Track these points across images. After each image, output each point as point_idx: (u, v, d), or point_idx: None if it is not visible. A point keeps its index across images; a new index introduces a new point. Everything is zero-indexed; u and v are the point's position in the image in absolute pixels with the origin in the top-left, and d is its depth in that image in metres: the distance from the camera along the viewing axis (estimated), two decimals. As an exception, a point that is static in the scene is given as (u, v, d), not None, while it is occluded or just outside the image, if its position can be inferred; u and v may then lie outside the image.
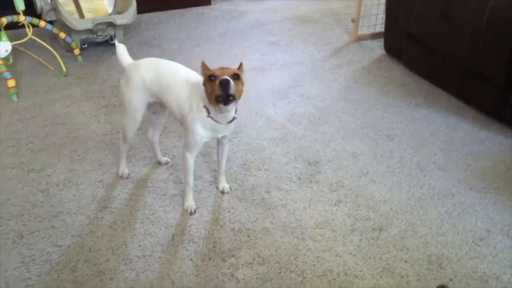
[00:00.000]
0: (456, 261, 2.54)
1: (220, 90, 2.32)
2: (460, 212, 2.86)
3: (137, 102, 2.75)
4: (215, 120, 2.52)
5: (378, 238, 2.68)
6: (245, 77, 2.49)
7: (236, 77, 2.39)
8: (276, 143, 3.44)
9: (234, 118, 2.56)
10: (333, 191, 3.01)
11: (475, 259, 2.56)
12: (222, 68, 2.42)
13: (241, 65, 2.50)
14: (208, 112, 2.51)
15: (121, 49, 2.84)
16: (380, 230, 2.73)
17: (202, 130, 2.57)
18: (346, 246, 2.62)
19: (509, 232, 2.74)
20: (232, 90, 2.33)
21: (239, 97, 2.44)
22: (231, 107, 2.46)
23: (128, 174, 3.06)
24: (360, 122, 3.72)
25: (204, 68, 2.47)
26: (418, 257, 2.56)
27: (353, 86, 4.22)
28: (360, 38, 5.10)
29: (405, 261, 2.53)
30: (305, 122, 3.69)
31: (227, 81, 2.30)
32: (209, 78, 2.38)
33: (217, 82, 2.32)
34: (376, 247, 2.62)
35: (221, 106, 2.38)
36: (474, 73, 3.74)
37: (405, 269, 2.48)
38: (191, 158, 2.69)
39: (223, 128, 2.59)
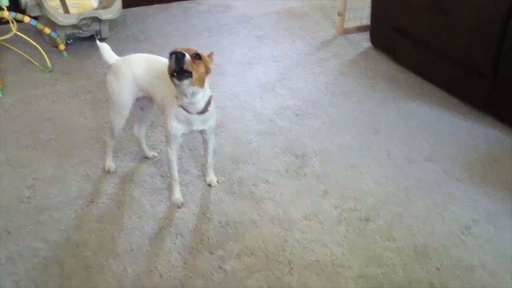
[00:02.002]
0: (442, 250, 2.57)
1: (175, 64, 2.32)
2: (446, 203, 2.89)
3: (126, 97, 2.75)
4: (185, 110, 2.53)
5: (365, 228, 2.69)
6: (212, 66, 2.52)
7: (198, 57, 2.39)
8: (263, 136, 3.45)
9: (206, 110, 2.57)
10: (320, 183, 3.02)
11: (462, 249, 2.58)
12: (186, 48, 2.43)
13: (211, 54, 2.53)
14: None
15: (104, 48, 2.82)
16: (367, 220, 2.74)
17: (176, 122, 2.59)
18: (333, 237, 2.63)
19: (495, 221, 2.77)
20: (186, 65, 2.33)
21: (201, 81, 2.44)
22: (189, 87, 2.41)
23: (115, 169, 3.05)
24: (347, 115, 3.73)
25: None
26: (405, 247, 2.58)
27: (340, 79, 4.24)
28: (346, 31, 5.10)
29: (392, 251, 2.55)
30: (292, 116, 3.70)
31: (182, 55, 2.31)
32: (170, 55, 2.38)
33: (173, 56, 2.34)
34: (363, 237, 2.63)
35: (176, 82, 2.38)
36: (462, 66, 3.76)
37: (391, 259, 2.50)
38: (171, 152, 2.70)
39: (197, 120, 2.59)
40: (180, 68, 2.32)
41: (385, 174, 3.11)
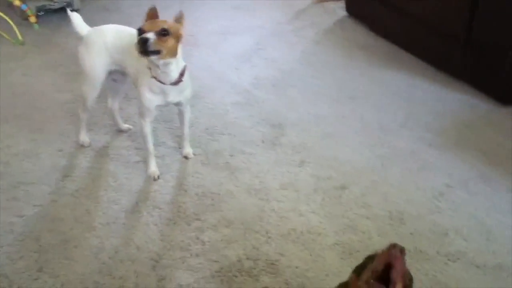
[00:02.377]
0: (416, 216, 2.61)
1: (140, 47, 2.30)
2: (420, 169, 2.92)
3: (98, 68, 2.72)
4: (158, 80, 2.51)
5: (340, 196, 2.72)
6: (183, 29, 2.47)
7: (164, 32, 2.36)
8: (240, 107, 3.44)
9: (180, 81, 2.54)
10: (297, 152, 3.04)
11: (435, 214, 2.63)
12: (152, 22, 2.40)
13: (180, 16, 2.47)
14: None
15: (76, 18, 2.77)
16: (343, 189, 2.77)
17: (149, 93, 2.57)
18: (310, 206, 2.65)
19: (468, 186, 2.81)
20: (152, 47, 2.31)
21: (171, 53, 2.41)
22: (160, 60, 2.39)
23: (89, 143, 3.02)
24: (323, 84, 3.73)
25: (145, 19, 2.46)
26: (380, 214, 2.61)
27: (316, 48, 4.22)
28: (322, 0, 5.07)
29: (367, 218, 2.58)
30: (269, 86, 3.69)
31: (145, 40, 2.29)
32: (138, 32, 2.35)
33: (138, 36, 2.31)
34: (339, 205, 2.66)
35: (145, 57, 2.37)
36: (436, 33, 3.77)
37: (367, 226, 2.54)
38: (145, 124, 2.68)
39: (171, 91, 2.57)
40: (146, 50, 2.30)
41: (360, 142, 3.13)
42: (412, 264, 2.32)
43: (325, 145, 3.10)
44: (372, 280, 1.19)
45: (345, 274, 2.24)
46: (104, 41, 2.68)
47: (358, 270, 1.28)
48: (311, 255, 2.37)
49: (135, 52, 2.43)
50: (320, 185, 2.79)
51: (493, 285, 2.25)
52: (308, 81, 3.76)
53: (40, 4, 4.40)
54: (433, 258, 2.37)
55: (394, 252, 1.20)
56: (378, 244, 2.41)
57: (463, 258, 2.37)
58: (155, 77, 2.49)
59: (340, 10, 4.87)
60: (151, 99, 2.58)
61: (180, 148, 2.99)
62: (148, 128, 2.69)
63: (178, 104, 2.70)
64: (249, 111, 3.40)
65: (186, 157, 2.94)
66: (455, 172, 2.91)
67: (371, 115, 3.39)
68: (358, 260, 2.31)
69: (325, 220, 2.56)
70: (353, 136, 3.19)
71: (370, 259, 1.27)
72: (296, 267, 2.30)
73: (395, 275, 1.17)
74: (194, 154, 2.96)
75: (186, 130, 2.90)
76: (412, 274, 2.22)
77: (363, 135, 3.19)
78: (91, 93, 2.79)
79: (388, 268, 1.19)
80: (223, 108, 3.41)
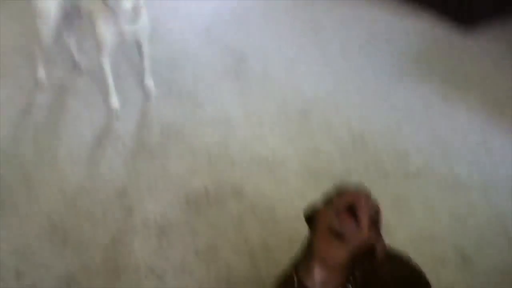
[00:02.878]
0: (378, 138, 2.65)
1: None
2: (379, 92, 2.95)
3: (51, 5, 2.63)
4: (113, 13, 2.45)
5: (304, 122, 2.74)
6: None
7: None
8: (201, 38, 3.38)
9: (136, 14, 2.48)
10: (260, 81, 3.03)
11: (397, 135, 2.67)
12: None
13: None
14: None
15: None
16: (306, 114, 2.79)
17: (105, 26, 2.51)
18: (274, 133, 2.67)
19: (429, 105, 2.86)
20: None
21: None
22: None
23: (47, 79, 2.95)
24: (286, 13, 3.69)
25: None
26: (343, 137, 2.65)
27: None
28: None
29: (330, 142, 2.62)
30: (230, 15, 3.63)
31: None
32: None
33: None
34: (302, 131, 2.69)
35: None
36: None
37: (330, 149, 2.57)
38: (104, 58, 2.64)
39: (127, 24, 2.51)
40: None
41: (324, 70, 3.14)
42: (374, 182, 2.37)
43: (288, 73, 3.10)
44: (342, 211, 1.21)
45: (309, 197, 2.28)
46: None
47: (326, 200, 1.30)
48: (276, 180, 2.41)
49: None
50: (284, 112, 2.80)
51: (452, 199, 2.33)
52: (270, 10, 3.71)
53: None
54: (394, 176, 2.43)
55: (358, 196, 1.23)
56: (342, 167, 2.47)
57: (423, 174, 2.44)
58: (110, 10, 2.42)
59: None
60: (107, 33, 2.52)
61: (141, 81, 2.95)
62: (107, 63, 2.64)
63: (136, 39, 2.64)
64: (211, 42, 3.35)
65: (148, 90, 2.91)
66: (417, 92, 2.95)
67: (334, 44, 3.38)
68: (322, 183, 2.38)
69: (290, 146, 2.59)
70: (315, 62, 3.19)
71: (337, 192, 1.29)
72: (262, 192, 2.34)
73: (361, 212, 1.21)
74: (156, 87, 2.93)
75: (146, 63, 2.85)
76: (374, 191, 2.29)
77: (327, 63, 3.19)
78: (46, 30, 2.71)
79: (352, 207, 1.22)
80: (184, 39, 3.36)
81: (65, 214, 2.21)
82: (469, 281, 1.99)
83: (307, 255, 1.31)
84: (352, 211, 1.21)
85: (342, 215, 1.21)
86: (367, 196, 1.25)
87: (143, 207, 2.25)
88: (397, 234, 2.16)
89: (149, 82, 2.91)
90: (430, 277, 1.97)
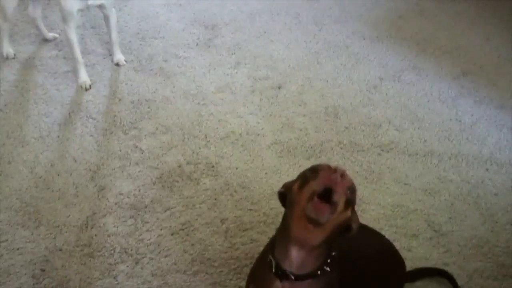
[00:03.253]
0: (351, 110, 2.66)
1: None
2: (354, 63, 2.95)
3: None
4: None
5: (277, 96, 2.72)
6: None
7: None
8: (170, 8, 3.31)
9: None
10: (232, 54, 2.99)
11: (369, 107, 2.68)
12: None
13: None
14: None
15: None
16: (279, 88, 2.77)
17: None
18: (247, 107, 2.65)
19: (400, 77, 2.87)
20: None
21: None
22: None
23: (14, 54, 2.86)
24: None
25: None
26: (316, 110, 2.65)
27: None
28: None
29: (304, 115, 2.61)
30: (199, -16, 3.55)
31: None
32: None
33: None
34: (275, 105, 2.67)
35: None
36: None
37: (303, 123, 2.57)
38: (70, 30, 2.56)
39: None
40: None
41: (295, 39, 3.11)
42: (347, 156, 2.40)
43: (260, 44, 3.06)
44: (316, 198, 1.20)
45: (284, 171, 2.31)
46: None
47: (301, 180, 1.27)
48: (250, 156, 2.40)
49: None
50: (257, 86, 2.78)
51: (424, 171, 2.36)
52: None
53: None
54: (367, 149, 2.45)
55: (335, 177, 1.20)
56: (315, 140, 2.47)
57: (396, 147, 2.46)
58: None
59: None
60: (71, 2, 2.44)
61: (110, 55, 2.88)
62: (73, 35, 2.57)
63: (101, 7, 2.57)
64: (181, 13, 3.28)
65: (117, 64, 2.85)
66: (388, 64, 2.95)
67: (305, 11, 3.34)
68: (296, 157, 2.39)
69: (263, 121, 2.58)
70: (288, 33, 3.15)
71: (313, 171, 1.26)
72: (236, 168, 2.33)
73: (336, 198, 1.19)
74: (126, 61, 2.87)
75: (115, 36, 2.78)
76: (348, 166, 2.31)
77: (298, 32, 3.16)
78: (10, 3, 2.61)
79: (329, 190, 1.20)
80: (153, 10, 3.28)
81: (36, 195, 2.17)
82: (441, 254, 2.03)
83: (284, 237, 1.31)
84: (328, 194, 1.20)
85: (317, 203, 1.19)
86: (344, 176, 1.23)
87: (116, 186, 2.22)
88: (370, 208, 2.19)
89: (119, 56, 2.85)
90: (403, 250, 2.02)
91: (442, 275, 1.92)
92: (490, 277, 1.97)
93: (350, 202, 1.26)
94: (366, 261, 1.58)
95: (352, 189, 1.25)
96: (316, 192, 1.20)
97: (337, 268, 1.36)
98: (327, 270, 1.32)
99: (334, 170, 1.21)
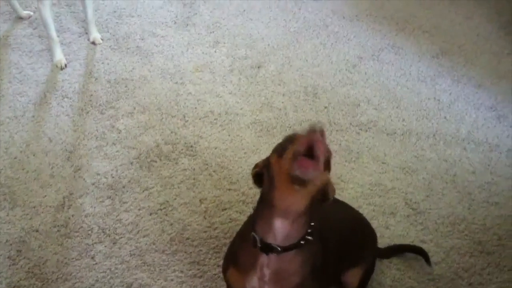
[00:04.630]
0: (330, 89, 2.65)
1: None
2: (333, 42, 2.93)
3: None
4: None
5: (256, 75, 2.70)
6: None
7: None
8: (148, -14, 3.25)
9: None
10: (211, 32, 2.95)
11: (348, 86, 2.68)
12: None
13: None
14: None
15: None
16: (258, 67, 2.75)
17: None
18: (226, 87, 2.63)
19: (379, 56, 2.86)
20: None
21: None
22: None
23: (-13, 33, 2.80)
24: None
25: None
26: (295, 90, 2.63)
27: None
28: None
29: (283, 95, 2.60)
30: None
31: None
32: None
33: None
34: (255, 84, 2.65)
35: None
36: None
37: (283, 102, 2.56)
38: (44, 8, 2.50)
39: None
40: None
41: (274, 18, 3.08)
42: (327, 136, 2.39)
43: (239, 23, 3.03)
44: (300, 156, 1.18)
45: (263, 151, 2.30)
46: None
47: (279, 151, 1.26)
48: (229, 135, 2.39)
49: None
50: (236, 65, 2.75)
51: (403, 150, 2.37)
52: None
53: None
54: (346, 128, 2.45)
55: (315, 136, 1.19)
56: (294, 119, 2.46)
57: (374, 127, 2.47)
58: None
59: None
60: None
61: (86, 33, 2.83)
62: (47, 12, 2.51)
63: None
64: (158, -9, 3.22)
65: (93, 43, 2.79)
66: (368, 43, 2.94)
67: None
68: (275, 136, 2.38)
69: (242, 100, 2.56)
70: (267, 12, 3.12)
71: (289, 140, 1.26)
72: (215, 148, 2.32)
73: (318, 153, 1.18)
74: (102, 39, 2.82)
75: (90, 13, 2.72)
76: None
77: (277, 11, 3.13)
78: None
79: (309, 150, 1.19)
80: (130, -12, 3.22)
81: (12, 176, 2.14)
82: (419, 231, 2.05)
83: (266, 212, 1.30)
84: (309, 153, 1.19)
85: (303, 160, 1.18)
86: (323, 134, 1.22)
87: (93, 166, 2.20)
88: (349, 186, 2.20)
89: (95, 34, 2.80)
90: (381, 228, 2.03)
91: (416, 252, 1.94)
92: (466, 254, 1.99)
93: (328, 164, 1.26)
94: (343, 230, 1.62)
95: (328, 149, 1.25)
96: (300, 152, 1.18)
97: (318, 237, 1.38)
98: (310, 239, 1.33)
99: (314, 129, 1.20)
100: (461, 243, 2.03)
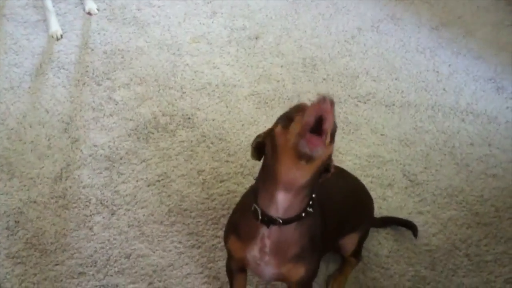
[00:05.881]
0: (329, 61, 2.63)
1: None
2: (332, 13, 2.90)
3: None
4: None
5: (254, 46, 2.68)
6: None
7: None
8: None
9: None
10: (208, 3, 2.91)
11: (347, 57, 2.66)
12: None
13: None
14: None
15: None
16: (256, 38, 2.72)
17: None
18: (224, 58, 2.61)
19: (379, 28, 2.83)
20: None
21: None
22: None
23: (-19, 3, 2.77)
24: None
25: None
26: (293, 61, 2.61)
27: None
28: None
29: (281, 66, 2.58)
30: None
31: None
32: None
33: None
34: (253, 55, 2.63)
35: None
36: None
37: (281, 74, 2.54)
38: None
39: None
40: None
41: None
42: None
43: (237, -6, 2.99)
44: (308, 133, 1.16)
45: (261, 123, 2.29)
46: None
47: (285, 121, 1.23)
48: (227, 107, 2.37)
49: None
50: (234, 36, 2.72)
51: (401, 122, 2.36)
52: None
53: None
54: (345, 100, 2.43)
55: (326, 106, 1.16)
56: (292, 91, 2.45)
57: (373, 99, 2.45)
58: None
59: None
60: None
61: (82, 3, 2.79)
62: None
63: None
64: (155, -40, 3.17)
65: (89, 13, 2.76)
66: (367, 14, 2.91)
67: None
68: (273, 108, 2.37)
69: (240, 72, 2.54)
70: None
71: (296, 109, 1.22)
72: (213, 120, 2.31)
73: (327, 126, 1.15)
74: (98, 10, 2.78)
75: (86, -17, 2.69)
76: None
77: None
78: None
79: (319, 120, 1.16)
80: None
81: (9, 147, 2.13)
82: (416, 203, 2.06)
83: (268, 184, 1.28)
84: (318, 124, 1.17)
85: (311, 137, 1.16)
86: (333, 103, 1.19)
87: (91, 138, 2.19)
88: (347, 158, 2.19)
89: (91, 4, 2.76)
90: (378, 199, 2.04)
91: (405, 226, 1.95)
92: (464, 225, 2.00)
93: (333, 137, 1.23)
94: (343, 198, 1.63)
95: (335, 123, 1.22)
96: (309, 124, 1.16)
97: (318, 208, 1.38)
98: (310, 211, 1.33)
99: (324, 99, 1.17)
100: (459, 215, 2.03)
